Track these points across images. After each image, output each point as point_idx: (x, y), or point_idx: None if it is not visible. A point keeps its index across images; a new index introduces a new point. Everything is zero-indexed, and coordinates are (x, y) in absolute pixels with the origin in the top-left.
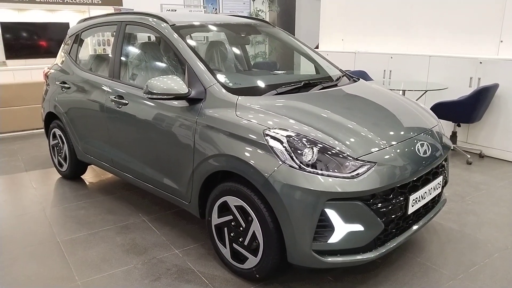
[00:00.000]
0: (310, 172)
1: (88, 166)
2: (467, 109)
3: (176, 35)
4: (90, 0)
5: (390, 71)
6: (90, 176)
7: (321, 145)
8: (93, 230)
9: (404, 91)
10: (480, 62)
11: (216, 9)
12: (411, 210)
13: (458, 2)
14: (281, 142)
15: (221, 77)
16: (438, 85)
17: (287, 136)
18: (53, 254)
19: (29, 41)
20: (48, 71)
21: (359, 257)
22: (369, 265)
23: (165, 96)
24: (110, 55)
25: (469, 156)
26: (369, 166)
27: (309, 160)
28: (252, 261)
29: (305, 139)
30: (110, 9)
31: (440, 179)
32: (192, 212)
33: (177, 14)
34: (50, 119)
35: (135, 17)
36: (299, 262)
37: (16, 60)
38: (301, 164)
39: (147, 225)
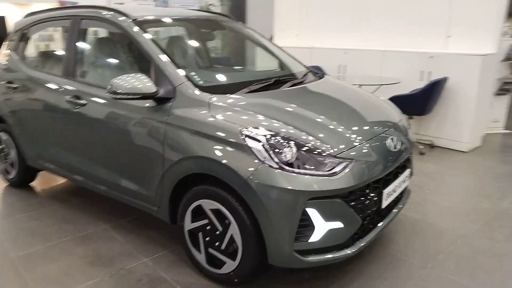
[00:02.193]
0: (290, 171)
1: (38, 173)
2: (421, 102)
3: (140, 30)
4: None
5: (345, 66)
6: (40, 183)
7: (300, 144)
8: (50, 242)
9: (359, 85)
10: (430, 57)
11: (165, 2)
12: (385, 204)
13: None
14: (260, 142)
15: (191, 75)
16: (391, 79)
17: (266, 136)
18: (8, 273)
19: None
20: None
21: (338, 254)
22: (343, 261)
23: (131, 96)
24: (63, 52)
25: (422, 146)
26: (347, 163)
27: (289, 160)
28: (230, 265)
29: (284, 139)
30: (53, 3)
31: (408, 171)
32: (161, 218)
33: (136, 8)
34: None
35: (91, 11)
36: (281, 263)
37: None
38: (281, 164)
39: (109, 234)
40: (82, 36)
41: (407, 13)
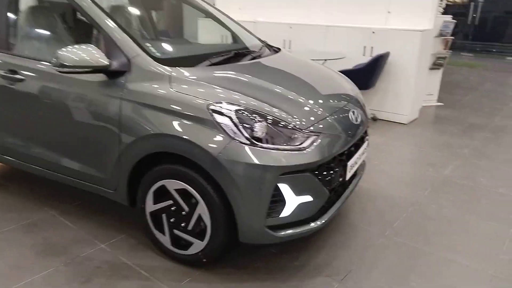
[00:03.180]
0: (261, 147)
1: None
2: (366, 76)
3: None
4: None
5: (290, 41)
6: None
7: (270, 119)
8: None
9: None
10: (373, 32)
11: None
12: (348, 175)
13: None
14: (229, 118)
15: (148, 47)
16: (336, 54)
17: (235, 111)
18: None
19: None
20: None
21: (308, 227)
22: None
23: (81, 69)
24: None
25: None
26: (315, 136)
27: (259, 135)
28: (198, 246)
29: (254, 113)
30: None
31: (366, 143)
32: (118, 201)
33: None
34: None
35: None
36: (252, 240)
37: None
38: (251, 139)
39: (58, 220)
40: (13, 4)
41: None
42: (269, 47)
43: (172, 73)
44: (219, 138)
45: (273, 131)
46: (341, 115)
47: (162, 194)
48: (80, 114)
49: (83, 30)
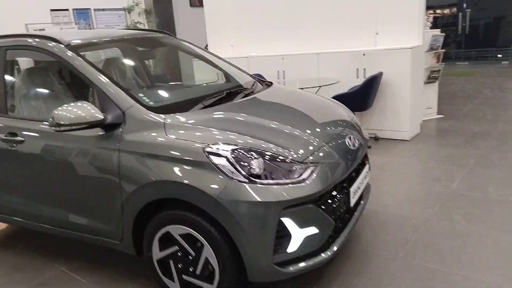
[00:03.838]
0: (260, 184)
1: None
2: (361, 98)
3: (75, 55)
4: None
5: (284, 71)
6: None
7: (267, 155)
8: None
9: (301, 89)
10: (364, 54)
11: (89, 24)
12: (353, 201)
13: (338, 1)
14: (226, 158)
15: (140, 97)
16: (330, 80)
17: (231, 151)
18: None
19: None
20: None
21: (318, 258)
22: None
23: (77, 126)
24: None
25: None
26: (313, 167)
27: (257, 172)
28: None
29: (249, 151)
30: None
31: (367, 167)
32: (125, 251)
33: (65, 32)
34: None
35: (17, 40)
36: (261, 279)
37: None
38: (249, 177)
39: (69, 276)
40: (10, 68)
41: (336, 16)
42: (261, 82)
43: (167, 120)
44: (217, 179)
45: (271, 166)
46: (338, 142)
47: (167, 240)
48: (81, 169)
49: (78, 87)
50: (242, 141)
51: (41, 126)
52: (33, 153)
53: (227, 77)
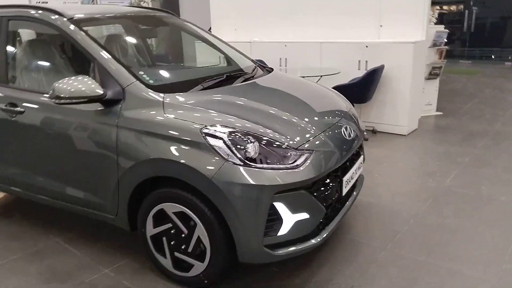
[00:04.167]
0: (255, 167)
1: None
2: (361, 90)
3: (78, 29)
4: None
5: (286, 58)
6: None
7: (262, 139)
8: None
9: (302, 77)
10: (366, 46)
11: (93, 0)
12: (345, 191)
13: None
14: (222, 140)
15: (140, 74)
16: (331, 70)
17: (228, 133)
18: None
19: None
20: None
21: (307, 244)
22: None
23: (76, 100)
24: None
25: (365, 133)
26: (308, 154)
27: (252, 155)
28: (198, 267)
29: (246, 134)
30: None
31: (361, 158)
32: (120, 226)
33: (69, 6)
34: None
35: (20, 11)
36: (251, 260)
37: None
38: (244, 160)
39: (62, 247)
40: (11, 38)
41: (342, 5)
42: (262, 67)
43: (166, 99)
44: (213, 160)
45: (267, 151)
46: (334, 132)
47: (161, 217)
48: (79, 142)
49: (80, 61)
50: (240, 125)
51: (41, 98)
52: (32, 124)
53: (229, 60)
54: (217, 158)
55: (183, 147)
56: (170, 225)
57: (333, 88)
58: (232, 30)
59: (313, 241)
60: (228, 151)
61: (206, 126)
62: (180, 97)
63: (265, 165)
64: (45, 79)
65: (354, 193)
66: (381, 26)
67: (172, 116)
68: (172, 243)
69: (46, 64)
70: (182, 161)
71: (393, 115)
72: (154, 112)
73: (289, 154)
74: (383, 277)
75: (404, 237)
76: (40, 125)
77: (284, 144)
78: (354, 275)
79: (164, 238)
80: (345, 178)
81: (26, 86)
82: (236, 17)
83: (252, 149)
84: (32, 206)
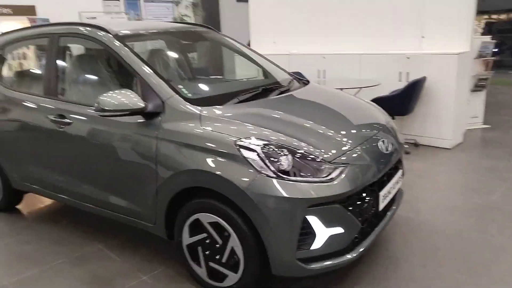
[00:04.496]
0: (288, 180)
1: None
2: (402, 102)
3: (122, 45)
4: None
5: (324, 70)
6: (25, 205)
7: (296, 152)
8: (44, 266)
9: (341, 89)
10: (408, 57)
11: (138, 15)
12: (381, 206)
13: (383, 1)
14: (256, 152)
15: (180, 88)
16: (371, 82)
17: (261, 146)
18: None
19: None
20: None
21: (341, 259)
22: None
23: (119, 113)
24: (42, 71)
25: (407, 146)
26: (342, 168)
27: (285, 168)
28: (232, 278)
29: (280, 147)
30: (23, 20)
31: (400, 172)
32: (158, 234)
33: (114, 23)
34: None
35: (70, 28)
36: (284, 272)
37: None
38: (278, 173)
39: (105, 253)
40: (62, 53)
41: (382, 16)
42: (299, 80)
43: (203, 112)
44: (247, 172)
45: (300, 164)
46: (371, 145)
47: (197, 227)
48: (121, 153)
49: (124, 75)
50: (275, 138)
51: (88, 110)
52: (79, 135)
53: (265, 73)
54: (251, 170)
55: (219, 159)
56: (205, 235)
57: (373, 100)
58: (271, 43)
59: (348, 256)
60: (262, 164)
61: (240, 138)
62: (217, 110)
63: (298, 178)
64: (91, 92)
65: (393, 208)
66: (423, 37)
67: (209, 128)
68: (207, 253)
69: (93, 78)
70: (218, 172)
71: (436, 128)
72: (192, 124)
73: (323, 167)
74: None
75: (445, 254)
76: (85, 135)
77: (318, 157)
78: None
79: (199, 248)
80: (381, 193)
81: (74, 99)
82: (275, 30)
83: (285, 161)
84: (79, 213)
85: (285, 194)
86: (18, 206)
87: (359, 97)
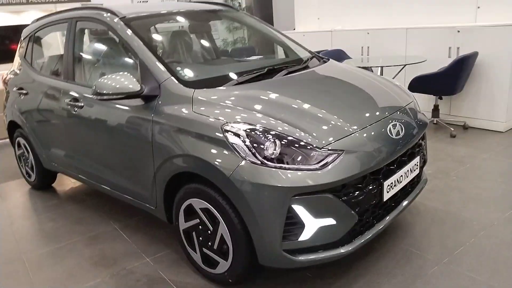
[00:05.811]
0: (273, 167)
1: (58, 174)
2: (448, 80)
3: (126, 28)
4: None
5: (368, 47)
6: (60, 184)
7: (283, 137)
8: (60, 243)
9: (382, 67)
10: (458, 31)
11: None
12: (386, 196)
13: None
14: (241, 137)
15: (177, 70)
16: (416, 58)
17: (246, 130)
18: (18, 274)
19: None
20: (7, 77)
21: (333, 252)
22: (351, 256)
23: (116, 96)
24: (63, 55)
25: (452, 129)
26: (336, 155)
27: (272, 154)
28: (223, 265)
29: (266, 132)
30: (77, 6)
31: (417, 159)
32: (159, 217)
33: (133, 6)
34: (13, 127)
35: (85, 12)
36: (271, 263)
37: None
38: (263, 160)
39: (118, 233)
40: (78, 38)
41: None
42: (319, 58)
43: (195, 95)
44: (232, 158)
45: (288, 150)
46: (377, 130)
47: (191, 212)
48: (124, 135)
49: (129, 59)
50: (264, 121)
51: None
52: (88, 117)
53: (286, 51)
54: (235, 156)
55: (206, 143)
56: (198, 220)
57: (415, 78)
58: (315, 19)
59: (342, 250)
60: (246, 149)
61: (227, 123)
62: (210, 93)
63: (284, 165)
64: (100, 76)
65: (408, 198)
66: (478, 7)
67: (199, 112)
68: (200, 238)
69: (104, 61)
70: (205, 157)
71: (488, 109)
72: (183, 108)
73: (312, 154)
74: None
75: (467, 251)
76: (94, 118)
77: (308, 143)
78: None
79: (193, 233)
80: (387, 182)
81: (85, 83)
82: (319, 5)
83: (271, 147)
84: (101, 194)
85: (268, 182)
86: (54, 185)
87: (380, 76)
